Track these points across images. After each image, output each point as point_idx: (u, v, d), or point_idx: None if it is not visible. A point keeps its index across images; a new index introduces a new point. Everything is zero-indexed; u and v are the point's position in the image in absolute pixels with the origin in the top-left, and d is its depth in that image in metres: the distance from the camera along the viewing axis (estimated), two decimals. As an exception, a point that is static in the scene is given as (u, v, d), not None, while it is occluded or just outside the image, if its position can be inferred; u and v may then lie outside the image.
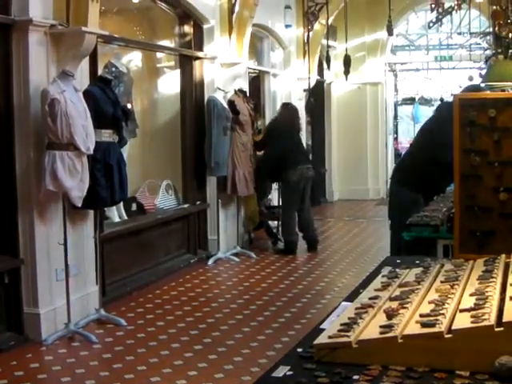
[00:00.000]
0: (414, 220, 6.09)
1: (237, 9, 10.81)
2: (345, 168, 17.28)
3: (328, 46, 10.14)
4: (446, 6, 12.53)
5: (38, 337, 6.90)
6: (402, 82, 22.68)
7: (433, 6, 12.14)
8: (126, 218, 9.47)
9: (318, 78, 15.43)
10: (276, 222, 12.12)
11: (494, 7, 8.49)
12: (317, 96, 16.77)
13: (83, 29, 6.94)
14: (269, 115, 13.94)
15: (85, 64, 7.53)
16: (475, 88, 7.33)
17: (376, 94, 17.71)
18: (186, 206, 10.64)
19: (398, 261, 4.38)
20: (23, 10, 6.73)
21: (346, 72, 11.39)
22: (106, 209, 8.59)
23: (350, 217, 14.90)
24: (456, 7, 11.79)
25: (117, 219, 9.29)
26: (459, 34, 19.84)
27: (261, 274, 9.80)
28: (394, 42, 20.32)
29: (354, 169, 17.11)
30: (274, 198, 12.71)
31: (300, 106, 14.90)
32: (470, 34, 17.39)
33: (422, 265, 3.89)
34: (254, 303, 8.30)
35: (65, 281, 7.05)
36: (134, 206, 9.76)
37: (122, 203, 8.98)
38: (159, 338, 7.08)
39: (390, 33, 10.46)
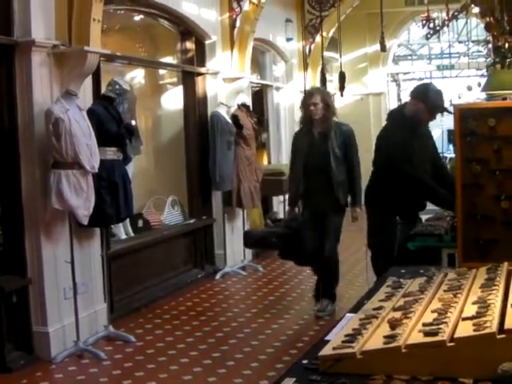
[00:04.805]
0: (419, 230, 6.11)
1: (238, 24, 10.89)
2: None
3: (323, 63, 10.12)
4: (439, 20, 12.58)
5: (48, 355, 6.92)
6: (405, 91, 22.69)
7: (424, 21, 12.18)
8: (132, 234, 9.49)
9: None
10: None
11: (488, 19, 8.51)
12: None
13: (85, 48, 6.98)
14: (272, 128, 13.99)
15: (88, 83, 7.56)
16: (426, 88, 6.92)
17: (379, 104, 17.74)
18: (192, 221, 10.67)
19: (402, 271, 4.40)
20: (26, 30, 6.79)
21: (341, 88, 11.44)
22: (112, 226, 8.63)
23: (356, 228, 14.85)
24: (447, 22, 11.83)
25: (123, 236, 9.31)
26: (460, 42, 19.89)
27: (268, 288, 9.82)
28: (396, 52, 20.36)
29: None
30: (280, 211, 12.74)
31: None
32: (471, 42, 17.44)
33: (425, 274, 3.92)
34: (262, 316, 8.32)
35: (73, 299, 7.08)
36: (140, 223, 9.78)
37: (128, 220, 9.01)
38: (168, 354, 7.09)
39: (383, 49, 10.48)
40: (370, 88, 17.61)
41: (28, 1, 6.74)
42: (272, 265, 11.29)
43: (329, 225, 8.14)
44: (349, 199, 8.27)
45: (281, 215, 12.71)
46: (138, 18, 10.30)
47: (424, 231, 6.07)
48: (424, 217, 7.16)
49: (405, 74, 22.10)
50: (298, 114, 14.44)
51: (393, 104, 19.50)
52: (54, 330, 7.01)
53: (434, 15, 12.67)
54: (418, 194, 6.63)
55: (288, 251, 8.33)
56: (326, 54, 14.91)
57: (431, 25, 12.06)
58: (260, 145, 12.18)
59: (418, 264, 4.91)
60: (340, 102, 17.63)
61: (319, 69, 14.69)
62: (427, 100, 6.59)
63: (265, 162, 13.23)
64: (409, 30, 20.66)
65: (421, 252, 5.87)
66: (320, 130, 8.10)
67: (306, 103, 8.12)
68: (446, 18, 11.34)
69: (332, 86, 17.14)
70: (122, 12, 9.71)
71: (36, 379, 6.50)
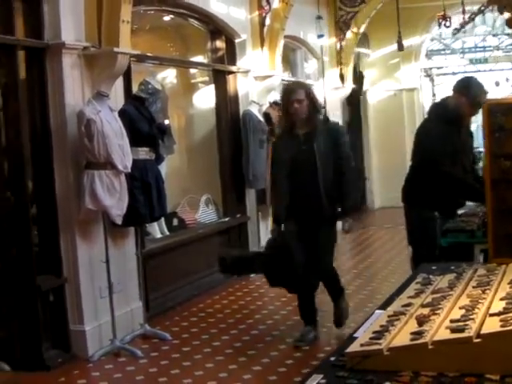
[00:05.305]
0: (451, 226, 6.08)
1: (268, 22, 10.93)
2: (385, 175, 17.15)
3: (341, 63, 10.09)
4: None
5: (85, 353, 7.00)
6: (439, 86, 22.52)
7: (440, 20, 12.12)
8: (167, 233, 9.56)
9: (354, 86, 15.44)
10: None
11: (509, 14, 8.39)
12: (353, 104, 16.81)
13: (115, 49, 7.04)
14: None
15: (119, 83, 7.64)
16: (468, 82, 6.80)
17: (412, 99, 17.63)
18: (226, 219, 10.71)
19: (433, 267, 4.40)
20: (56, 34, 6.87)
21: (360, 88, 11.47)
22: (147, 225, 8.70)
23: (391, 224, 14.84)
24: (465, 21, 11.78)
25: (158, 235, 9.39)
26: (494, 35, 19.72)
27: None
28: (429, 47, 20.22)
29: (394, 176, 16.90)
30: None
31: (336, 115, 14.97)
32: (505, 35, 17.29)
33: (456, 270, 3.92)
34: (297, 313, 8.30)
35: (108, 298, 7.14)
36: (175, 222, 9.86)
37: (163, 219, 9.08)
38: (204, 351, 7.13)
39: (401, 48, 10.42)
40: (403, 83, 17.50)
41: (57, 4, 6.84)
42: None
43: (321, 237, 6.99)
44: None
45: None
46: (168, 18, 10.37)
47: (456, 227, 6.03)
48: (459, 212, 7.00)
49: (438, 68, 21.94)
50: (330, 112, 14.53)
51: (426, 99, 19.39)
52: (90, 328, 7.10)
53: (468, 8, 12.59)
54: (455, 191, 6.55)
55: (275, 274, 7.12)
56: (358, 49, 14.93)
57: (447, 23, 11.97)
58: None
59: (452, 260, 4.90)
60: (374, 98, 17.66)
61: (351, 65, 14.76)
62: (469, 94, 6.49)
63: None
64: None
65: (454, 248, 5.83)
66: (305, 130, 6.95)
67: (288, 101, 6.94)
68: (463, 18, 11.28)
69: (364, 82, 17.15)
70: (153, 12, 9.77)
71: (73, 377, 6.58)
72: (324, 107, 6.98)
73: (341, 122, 15.20)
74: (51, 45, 6.86)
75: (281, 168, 7.05)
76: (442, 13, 12.02)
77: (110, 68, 7.17)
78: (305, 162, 6.87)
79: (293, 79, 13.19)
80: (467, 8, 12.67)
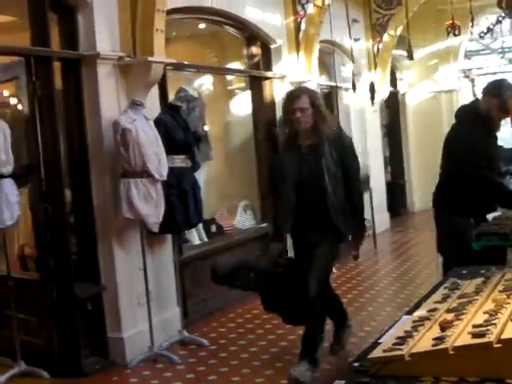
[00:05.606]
0: (483, 229, 6.03)
1: (303, 27, 10.95)
2: (425, 178, 17.04)
3: (353, 75, 10.02)
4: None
5: (123, 360, 7.08)
6: (479, 87, 22.30)
7: (449, 29, 12.03)
8: (206, 239, 9.62)
9: (392, 88, 15.39)
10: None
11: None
12: (391, 107, 16.77)
13: (149, 59, 7.12)
14: (344, 129, 13.93)
15: (155, 92, 7.72)
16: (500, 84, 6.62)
17: (451, 101, 17.51)
18: (264, 225, 10.73)
19: (463, 271, 4.38)
20: (91, 44, 6.99)
21: (372, 98, 11.46)
22: (186, 232, 8.77)
23: (430, 227, 14.71)
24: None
25: (197, 241, 9.45)
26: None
27: (341, 289, 9.82)
28: (468, 47, 20.06)
29: (433, 178, 16.83)
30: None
31: (374, 118, 14.95)
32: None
33: (484, 274, 3.91)
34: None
35: (146, 305, 7.21)
36: (213, 228, 9.92)
37: (201, 225, 9.14)
38: (241, 357, 7.17)
39: (411, 57, 10.32)
40: (441, 85, 17.40)
41: (92, 15, 6.95)
42: (345, 267, 11.29)
43: (315, 254, 6.11)
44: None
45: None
46: (204, 25, 10.44)
47: (489, 230, 5.98)
48: (490, 216, 6.75)
49: (478, 69, 21.74)
50: (368, 114, 14.51)
51: (466, 101, 19.18)
52: (128, 335, 7.18)
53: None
54: (491, 195, 6.39)
55: (272, 297, 6.38)
56: (395, 52, 14.86)
57: (456, 32, 11.86)
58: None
59: (484, 264, 4.87)
60: (412, 101, 17.57)
61: (388, 67, 14.71)
62: (501, 96, 6.33)
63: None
64: (479, 25, 20.30)
65: (486, 251, 5.77)
66: (310, 142, 6.22)
67: (290, 109, 6.17)
68: (471, 23, 11.21)
69: (402, 85, 17.08)
70: (190, 20, 9.84)
71: (111, 383, 6.68)
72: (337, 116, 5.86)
73: (378, 125, 15.24)
74: (86, 55, 6.97)
75: (285, 184, 6.27)
76: (451, 21, 11.91)
77: (144, 77, 7.24)
78: (310, 178, 6.17)
79: (331, 83, 13.22)
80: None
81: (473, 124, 6.40)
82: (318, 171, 6.09)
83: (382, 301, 9.01)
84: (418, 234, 14.43)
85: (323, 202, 6.10)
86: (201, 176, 8.89)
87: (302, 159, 6.20)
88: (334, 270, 10.74)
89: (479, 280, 3.74)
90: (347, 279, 10.41)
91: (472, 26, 11.50)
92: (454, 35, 12.06)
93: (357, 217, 6.34)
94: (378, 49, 14.02)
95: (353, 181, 6.26)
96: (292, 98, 6.24)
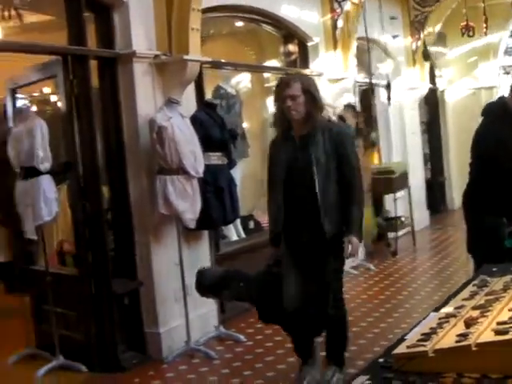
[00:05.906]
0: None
1: (340, 24, 10.94)
2: (464, 175, 16.77)
3: (371, 78, 9.95)
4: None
5: (159, 355, 7.16)
6: (519, 83, 22.00)
7: (463, 30, 11.92)
8: (243, 236, 9.67)
9: (431, 85, 15.31)
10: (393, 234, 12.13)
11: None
12: (431, 104, 16.68)
13: (185, 57, 7.17)
14: (381, 127, 13.91)
15: (191, 90, 7.78)
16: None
17: (491, 98, 17.31)
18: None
19: (494, 269, 4.37)
20: (127, 43, 7.07)
21: (388, 98, 11.42)
22: (224, 228, 8.82)
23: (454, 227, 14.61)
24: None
25: (235, 237, 9.51)
26: None
27: (379, 286, 9.82)
28: (509, 44, 19.86)
29: (473, 175, 16.76)
30: (391, 209, 12.69)
31: (413, 115, 14.87)
32: None
33: (514, 272, 3.91)
34: (371, 316, 8.32)
35: (183, 300, 7.26)
36: (251, 224, 9.96)
37: (239, 222, 9.18)
38: (277, 353, 7.18)
39: (426, 58, 10.26)
40: (481, 82, 17.27)
41: (128, 14, 7.04)
42: (384, 264, 11.29)
43: (324, 270, 5.61)
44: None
45: (392, 213, 12.64)
46: (242, 23, 10.48)
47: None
48: None
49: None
50: (407, 111, 14.44)
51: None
52: (165, 330, 7.24)
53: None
54: None
55: (267, 307, 5.75)
56: (434, 49, 14.79)
57: (471, 33, 11.76)
58: (370, 144, 12.17)
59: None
60: (452, 98, 17.46)
61: (427, 64, 14.64)
62: None
63: (376, 161, 13.18)
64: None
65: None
66: (303, 132, 5.64)
67: (281, 96, 5.58)
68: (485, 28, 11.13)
69: (441, 82, 16.97)
70: (227, 18, 9.90)
71: (148, 378, 6.73)
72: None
73: (418, 122, 15.15)
74: (122, 54, 7.05)
75: (275, 177, 5.79)
76: (465, 23, 11.82)
77: (180, 75, 7.29)
78: (301, 172, 5.61)
79: (370, 81, 13.19)
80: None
81: (501, 120, 6.22)
82: (308, 165, 5.53)
83: (419, 298, 8.98)
84: (457, 231, 14.28)
85: (313, 197, 5.52)
86: (237, 173, 8.93)
87: (294, 152, 5.66)
88: (371, 267, 10.85)
89: (508, 277, 3.73)
90: (385, 276, 10.41)
91: (486, 28, 11.43)
92: (469, 36, 11.99)
93: (350, 215, 5.62)
94: (416, 45, 13.96)
95: (346, 176, 5.61)
96: (283, 85, 5.64)
